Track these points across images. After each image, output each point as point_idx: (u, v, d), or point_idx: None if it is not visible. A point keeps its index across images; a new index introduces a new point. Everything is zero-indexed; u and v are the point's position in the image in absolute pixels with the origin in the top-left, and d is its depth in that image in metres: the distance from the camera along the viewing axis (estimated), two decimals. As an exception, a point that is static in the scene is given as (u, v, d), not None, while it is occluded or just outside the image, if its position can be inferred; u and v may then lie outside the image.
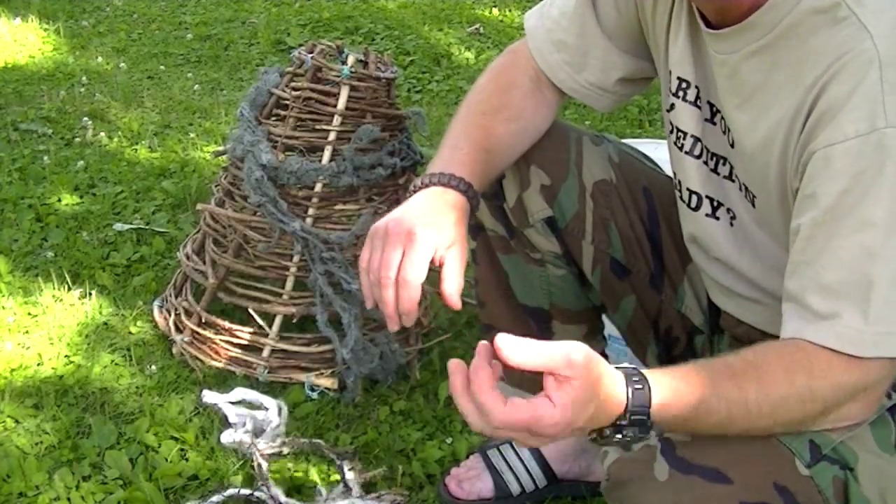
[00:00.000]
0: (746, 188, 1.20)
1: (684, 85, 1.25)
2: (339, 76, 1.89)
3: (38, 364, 1.97)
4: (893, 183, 0.97)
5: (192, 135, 3.06)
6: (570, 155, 1.42)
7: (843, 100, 1.00)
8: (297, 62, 1.94)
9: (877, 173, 0.98)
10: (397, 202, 1.97)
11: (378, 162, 1.91)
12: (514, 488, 1.65)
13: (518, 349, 0.93)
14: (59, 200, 2.59)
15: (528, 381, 1.55)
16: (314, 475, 1.69)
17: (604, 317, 1.57)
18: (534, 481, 1.65)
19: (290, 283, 1.94)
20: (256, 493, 1.61)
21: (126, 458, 1.71)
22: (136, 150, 2.95)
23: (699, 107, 1.25)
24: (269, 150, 1.88)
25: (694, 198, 1.29)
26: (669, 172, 1.40)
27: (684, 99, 1.26)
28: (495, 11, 4.37)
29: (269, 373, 1.91)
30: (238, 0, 4.49)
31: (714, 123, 1.23)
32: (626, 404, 0.96)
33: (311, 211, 1.91)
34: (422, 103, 3.42)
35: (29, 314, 2.14)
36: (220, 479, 1.68)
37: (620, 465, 1.07)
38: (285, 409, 1.80)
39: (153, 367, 1.96)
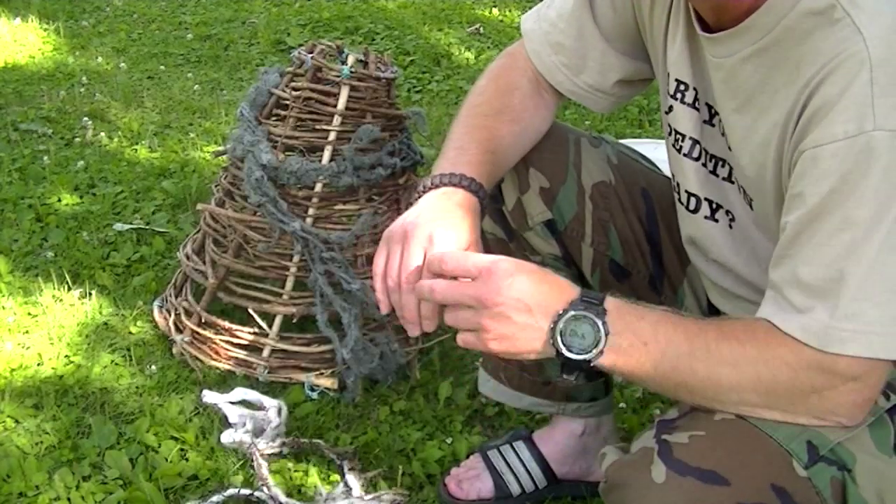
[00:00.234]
0: (745, 190, 1.20)
1: (682, 87, 1.25)
2: (339, 76, 1.89)
3: (38, 364, 1.97)
4: (879, 185, 0.98)
5: (192, 135, 3.06)
6: (569, 157, 1.42)
7: (833, 101, 1.00)
8: (297, 62, 1.94)
9: (863, 175, 0.98)
10: (397, 202, 1.98)
11: (378, 162, 1.91)
12: (514, 488, 1.65)
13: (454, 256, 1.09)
14: (59, 200, 2.59)
15: (506, 372, 1.56)
16: (314, 475, 1.70)
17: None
18: (534, 482, 1.65)
19: (290, 283, 1.94)
20: (256, 493, 1.61)
21: (126, 458, 1.71)
22: (136, 150, 2.95)
23: (697, 109, 1.25)
24: (269, 150, 1.88)
25: (692, 200, 1.29)
26: (668, 173, 1.40)
27: (682, 101, 1.26)
28: (495, 11, 4.37)
29: (269, 373, 1.92)
30: (238, 0, 4.49)
31: (713, 125, 1.23)
32: (579, 292, 1.04)
33: (311, 211, 1.91)
34: (422, 103, 3.42)
35: (29, 314, 2.14)
36: (220, 479, 1.68)
37: (618, 468, 1.07)
38: (285, 409, 1.80)
39: (153, 367, 1.96)
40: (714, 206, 1.27)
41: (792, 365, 1.01)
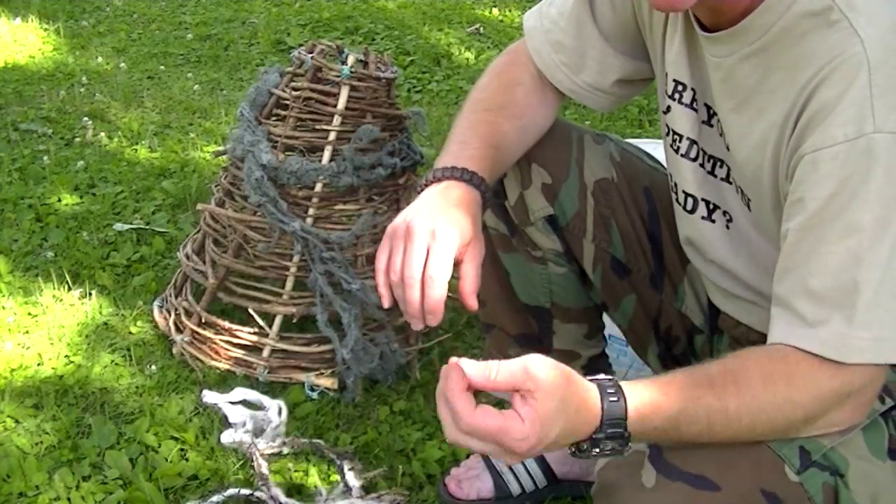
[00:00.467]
0: (742, 191, 1.20)
1: (680, 87, 1.25)
2: (339, 76, 1.89)
3: (38, 364, 1.97)
4: (880, 188, 0.97)
5: (192, 135, 3.06)
6: (572, 153, 1.42)
7: (831, 104, 0.99)
8: (297, 62, 1.94)
9: (864, 178, 0.98)
10: (397, 202, 1.98)
11: (378, 162, 1.91)
12: (514, 488, 1.65)
13: (477, 370, 0.94)
14: (59, 200, 2.59)
15: None
16: (314, 475, 1.69)
17: (605, 316, 1.57)
18: (534, 481, 1.66)
19: (290, 283, 1.94)
20: (256, 493, 1.61)
21: (126, 458, 1.71)
22: (136, 150, 2.95)
23: (695, 109, 1.25)
24: (269, 150, 1.88)
25: (690, 200, 1.29)
26: (669, 173, 1.40)
27: (680, 101, 1.26)
28: (495, 11, 4.37)
29: (269, 373, 1.92)
30: (238, 0, 4.49)
31: (711, 126, 1.23)
32: (601, 417, 0.97)
33: (311, 211, 1.91)
34: (422, 103, 3.42)
35: (29, 314, 2.14)
36: (220, 479, 1.68)
37: (609, 471, 1.07)
38: (285, 409, 1.80)
39: (153, 367, 1.96)
40: (711, 206, 1.27)
41: (807, 406, 1.01)
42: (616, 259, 1.44)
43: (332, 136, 1.90)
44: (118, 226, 2.47)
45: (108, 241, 2.42)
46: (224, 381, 1.92)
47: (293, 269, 1.92)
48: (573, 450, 1.00)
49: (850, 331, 0.98)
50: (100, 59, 3.76)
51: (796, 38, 1.05)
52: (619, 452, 0.99)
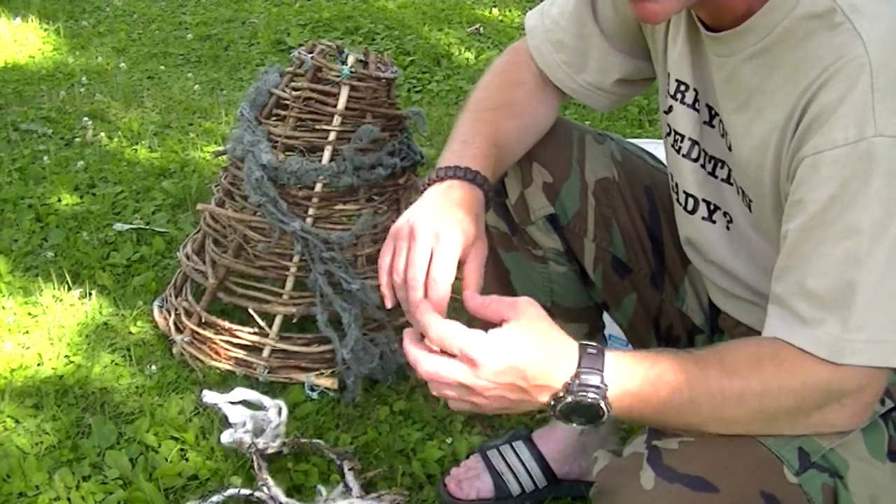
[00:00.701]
0: (743, 192, 1.20)
1: (682, 87, 1.25)
2: (339, 76, 1.89)
3: (38, 364, 1.97)
4: (880, 191, 0.97)
5: (192, 135, 3.06)
6: (573, 153, 1.42)
7: (833, 106, 0.99)
8: (297, 62, 1.94)
9: (864, 181, 0.97)
10: (397, 202, 1.98)
11: (378, 162, 1.91)
12: (514, 488, 1.65)
13: (473, 297, 1.03)
14: (59, 200, 2.59)
15: None
16: (314, 475, 1.69)
17: (605, 316, 1.57)
18: (533, 482, 1.65)
19: (290, 283, 1.94)
20: (256, 493, 1.61)
21: (126, 458, 1.71)
22: (136, 150, 2.95)
23: (697, 110, 1.25)
24: (269, 150, 1.88)
25: (690, 201, 1.29)
26: (670, 173, 1.40)
27: (682, 101, 1.26)
28: (495, 11, 4.37)
29: (269, 373, 1.91)
30: (238, 0, 4.49)
31: (713, 126, 1.23)
32: (578, 361, 0.98)
33: (311, 211, 1.91)
34: (422, 103, 3.42)
35: (29, 314, 2.14)
36: (220, 479, 1.68)
37: (608, 473, 1.07)
38: (285, 409, 1.80)
39: (153, 367, 1.96)
40: (712, 207, 1.27)
41: (797, 391, 1.00)
42: (617, 258, 1.44)
43: (332, 136, 1.90)
44: (118, 226, 2.47)
45: (108, 241, 2.42)
46: (224, 381, 1.92)
47: (293, 269, 1.92)
48: (552, 403, 0.99)
49: (845, 332, 0.98)
50: (100, 59, 3.76)
51: (799, 39, 1.05)
52: (597, 415, 0.99)
